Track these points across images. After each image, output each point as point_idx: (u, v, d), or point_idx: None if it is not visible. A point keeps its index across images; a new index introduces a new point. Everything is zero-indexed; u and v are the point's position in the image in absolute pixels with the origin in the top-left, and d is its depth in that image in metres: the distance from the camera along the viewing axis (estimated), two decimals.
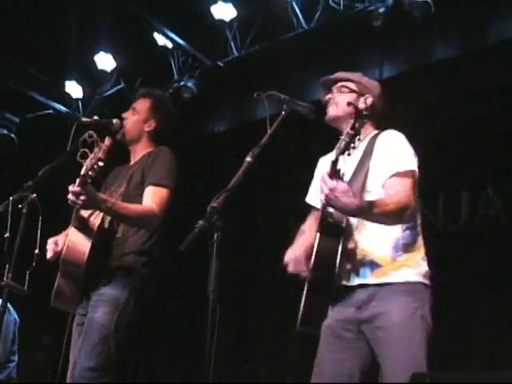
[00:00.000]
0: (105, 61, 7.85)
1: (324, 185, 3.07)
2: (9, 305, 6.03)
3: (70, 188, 3.71)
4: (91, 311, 3.99)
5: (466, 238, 6.80)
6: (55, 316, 4.40)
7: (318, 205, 3.67)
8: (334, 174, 3.10)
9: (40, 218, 3.87)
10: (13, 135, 8.67)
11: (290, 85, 6.67)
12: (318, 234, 3.30)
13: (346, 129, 3.12)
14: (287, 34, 6.96)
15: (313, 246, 3.39)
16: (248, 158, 3.20)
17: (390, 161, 3.40)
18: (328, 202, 3.10)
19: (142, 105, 4.54)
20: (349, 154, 3.07)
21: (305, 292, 3.36)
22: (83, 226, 4.00)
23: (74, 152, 4.01)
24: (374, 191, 3.40)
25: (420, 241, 3.49)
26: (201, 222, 2.86)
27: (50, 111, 8.67)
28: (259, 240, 8.24)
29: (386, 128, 3.65)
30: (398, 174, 3.36)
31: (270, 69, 7.08)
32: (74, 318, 4.21)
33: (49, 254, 4.07)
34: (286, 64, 7.07)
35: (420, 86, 6.74)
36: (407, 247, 3.40)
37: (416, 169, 3.42)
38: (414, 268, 3.37)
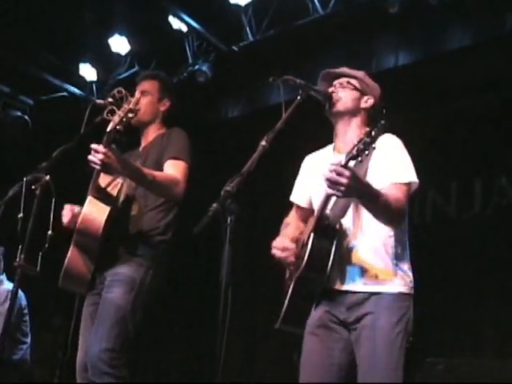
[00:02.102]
0: (119, 44, 7.85)
1: (337, 174, 2.98)
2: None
3: (94, 146, 3.71)
4: (106, 291, 3.98)
5: (479, 226, 6.79)
6: (66, 297, 4.40)
7: (303, 203, 3.75)
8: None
9: (53, 199, 3.86)
10: (27, 117, 8.70)
11: (305, 70, 6.63)
12: (312, 235, 3.28)
13: (360, 136, 3.04)
14: (303, 19, 6.92)
15: (298, 240, 3.44)
16: (263, 143, 3.19)
17: (390, 170, 3.38)
18: (347, 189, 3.02)
19: (152, 86, 4.52)
20: (361, 161, 3.01)
21: (291, 290, 3.35)
22: (100, 196, 3.99)
23: (88, 134, 4.03)
24: None
25: (408, 250, 3.51)
26: (214, 205, 2.86)
27: (64, 94, 8.68)
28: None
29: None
30: (397, 184, 3.36)
31: (284, 54, 7.06)
32: (81, 299, 4.21)
33: (65, 219, 4.07)
34: (301, 49, 7.05)
35: (435, 74, 6.71)
36: (398, 257, 3.42)
37: (415, 180, 3.42)
38: (403, 279, 3.39)
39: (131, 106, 3.79)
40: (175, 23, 7.51)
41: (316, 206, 3.54)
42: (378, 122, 3.02)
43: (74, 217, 4.04)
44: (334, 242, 3.28)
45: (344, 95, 3.62)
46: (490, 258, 6.47)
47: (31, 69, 8.24)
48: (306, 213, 3.75)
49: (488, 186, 6.85)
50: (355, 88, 3.66)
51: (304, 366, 3.45)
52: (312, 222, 3.39)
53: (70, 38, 7.90)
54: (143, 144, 4.49)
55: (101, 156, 3.68)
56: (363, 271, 3.35)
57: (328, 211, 3.35)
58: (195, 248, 6.78)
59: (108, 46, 7.89)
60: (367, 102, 3.66)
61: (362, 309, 3.32)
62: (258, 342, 8.13)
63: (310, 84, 3.55)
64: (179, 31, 7.60)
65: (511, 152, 6.59)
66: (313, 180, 3.67)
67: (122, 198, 4.16)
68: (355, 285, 3.35)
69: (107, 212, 3.95)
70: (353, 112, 3.62)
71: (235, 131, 8.13)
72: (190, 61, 7.79)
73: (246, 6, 7.10)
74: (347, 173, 2.95)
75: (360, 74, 3.72)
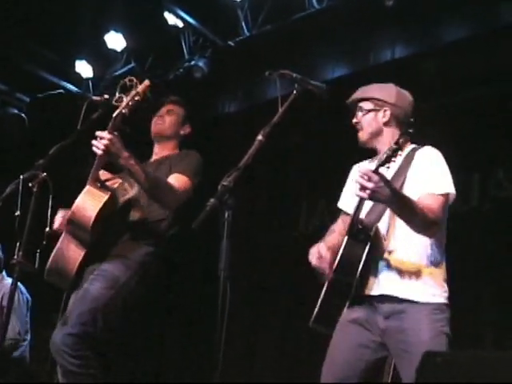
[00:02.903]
0: (115, 40, 7.83)
1: (366, 179, 3.04)
2: (20, 284, 6.07)
3: (99, 132, 3.70)
4: (88, 283, 3.97)
5: (476, 219, 6.78)
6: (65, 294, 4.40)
7: (350, 210, 3.69)
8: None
9: (50, 196, 3.86)
10: (23, 115, 8.69)
11: (302, 65, 6.63)
12: (346, 238, 3.33)
13: (391, 143, 3.14)
14: (298, 13, 6.91)
15: (339, 248, 3.43)
16: (259, 137, 3.19)
17: (427, 180, 3.41)
18: (373, 193, 3.07)
19: (178, 109, 4.59)
20: (388, 167, 3.08)
21: (324, 291, 3.40)
22: (99, 188, 3.95)
23: (84, 131, 4.03)
24: None
25: (444, 261, 3.51)
26: (212, 200, 2.87)
27: (61, 91, 8.66)
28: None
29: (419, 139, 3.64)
30: (433, 194, 3.38)
31: (281, 49, 7.04)
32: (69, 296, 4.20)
33: (56, 223, 4.08)
34: (297, 44, 7.04)
35: (432, 68, 6.70)
36: (433, 265, 3.42)
37: (452, 191, 3.44)
38: (438, 289, 3.40)
39: (138, 89, 3.76)
40: (171, 19, 7.50)
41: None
42: (405, 130, 3.16)
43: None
44: (367, 247, 3.30)
45: (362, 121, 3.67)
46: (488, 250, 6.46)
47: (27, 66, 8.24)
48: None
49: (485, 180, 6.85)
50: (368, 111, 3.67)
51: (331, 353, 3.46)
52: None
53: (66, 35, 7.88)
54: (155, 157, 4.52)
55: (105, 141, 3.67)
56: (397, 278, 3.36)
57: (364, 216, 3.40)
58: (193, 243, 6.78)
59: (104, 43, 7.88)
60: (385, 115, 3.65)
61: (400, 320, 3.32)
62: (258, 337, 8.13)
63: (306, 78, 3.54)
64: (175, 27, 7.59)
65: (508, 145, 6.59)
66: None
67: (124, 200, 4.16)
68: (389, 290, 3.36)
69: (103, 202, 3.90)
70: (377, 132, 3.64)
71: (232, 126, 8.13)
72: (187, 56, 7.79)
73: (242, 0, 7.11)
74: (375, 178, 3.02)
75: (368, 92, 3.72)
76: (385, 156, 3.05)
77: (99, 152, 3.72)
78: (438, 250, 3.46)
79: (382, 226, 3.42)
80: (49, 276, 4.08)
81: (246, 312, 7.96)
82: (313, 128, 6.91)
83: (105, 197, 3.92)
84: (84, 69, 8.32)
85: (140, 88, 3.79)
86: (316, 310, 3.40)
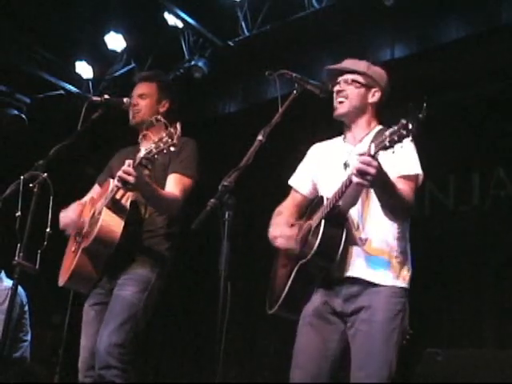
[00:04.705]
0: (115, 41, 7.84)
1: (366, 164, 2.94)
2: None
3: (125, 168, 3.68)
4: (119, 289, 4.01)
5: (477, 218, 6.79)
6: (66, 296, 4.41)
7: (303, 190, 3.76)
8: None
9: (51, 197, 3.86)
10: (23, 115, 8.69)
11: (301, 64, 6.63)
12: (324, 221, 3.29)
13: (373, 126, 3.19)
14: (298, 13, 6.91)
15: (296, 226, 3.49)
16: (259, 137, 3.21)
17: (397, 163, 3.32)
18: (374, 179, 2.98)
19: (150, 88, 4.48)
20: (393, 152, 2.89)
21: (293, 276, 3.39)
22: (116, 208, 4.00)
23: (85, 131, 4.03)
24: None
25: (409, 245, 3.51)
26: (212, 200, 2.87)
27: (61, 92, 8.67)
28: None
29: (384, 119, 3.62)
30: (404, 177, 3.35)
31: (280, 49, 7.05)
32: (76, 296, 4.22)
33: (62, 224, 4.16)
34: (296, 44, 7.04)
35: (432, 67, 6.70)
36: (400, 250, 3.43)
37: (420, 172, 3.42)
38: (402, 273, 3.40)
39: (175, 140, 3.58)
40: (171, 19, 7.50)
41: (324, 194, 3.50)
42: (415, 114, 2.82)
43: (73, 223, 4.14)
44: (344, 231, 3.30)
45: (350, 93, 3.59)
46: (489, 249, 6.48)
47: (28, 67, 8.23)
48: (302, 200, 3.77)
49: (486, 178, 6.86)
50: (361, 85, 3.60)
51: (299, 356, 3.46)
52: (322, 209, 3.37)
53: (66, 35, 7.90)
54: (145, 145, 4.44)
55: (132, 178, 3.68)
56: (365, 261, 3.36)
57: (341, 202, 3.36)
58: (193, 243, 6.79)
59: (104, 44, 7.88)
60: (374, 95, 3.62)
61: (358, 301, 3.34)
62: (256, 336, 8.13)
63: (305, 78, 3.55)
64: (175, 27, 7.59)
65: (508, 144, 6.60)
66: (321, 169, 3.68)
67: (137, 203, 4.18)
68: (355, 272, 3.35)
69: (122, 225, 3.97)
70: (361, 109, 3.59)
71: (232, 126, 8.13)
72: (186, 57, 7.79)
73: (242, 0, 7.11)
74: (375, 163, 2.94)
75: (363, 66, 3.64)
76: (388, 140, 2.85)
77: (125, 188, 3.80)
78: (404, 235, 3.47)
79: (355, 211, 3.41)
80: (69, 285, 4.17)
81: (247, 311, 7.96)
82: (312, 126, 6.93)
83: (122, 222, 3.99)
84: (84, 69, 8.32)
85: (176, 139, 3.57)
86: (283, 296, 3.41)
